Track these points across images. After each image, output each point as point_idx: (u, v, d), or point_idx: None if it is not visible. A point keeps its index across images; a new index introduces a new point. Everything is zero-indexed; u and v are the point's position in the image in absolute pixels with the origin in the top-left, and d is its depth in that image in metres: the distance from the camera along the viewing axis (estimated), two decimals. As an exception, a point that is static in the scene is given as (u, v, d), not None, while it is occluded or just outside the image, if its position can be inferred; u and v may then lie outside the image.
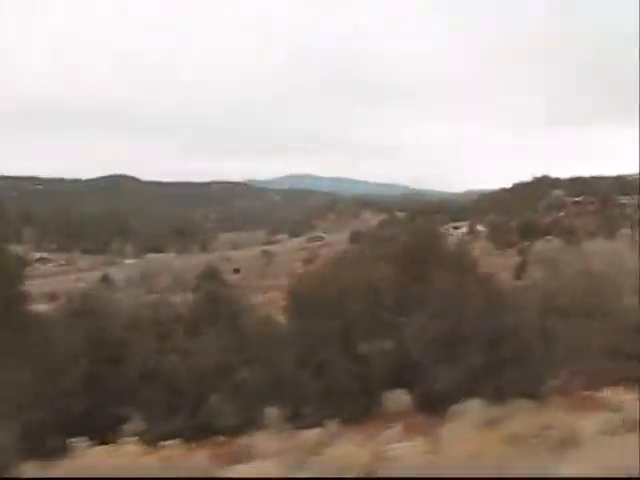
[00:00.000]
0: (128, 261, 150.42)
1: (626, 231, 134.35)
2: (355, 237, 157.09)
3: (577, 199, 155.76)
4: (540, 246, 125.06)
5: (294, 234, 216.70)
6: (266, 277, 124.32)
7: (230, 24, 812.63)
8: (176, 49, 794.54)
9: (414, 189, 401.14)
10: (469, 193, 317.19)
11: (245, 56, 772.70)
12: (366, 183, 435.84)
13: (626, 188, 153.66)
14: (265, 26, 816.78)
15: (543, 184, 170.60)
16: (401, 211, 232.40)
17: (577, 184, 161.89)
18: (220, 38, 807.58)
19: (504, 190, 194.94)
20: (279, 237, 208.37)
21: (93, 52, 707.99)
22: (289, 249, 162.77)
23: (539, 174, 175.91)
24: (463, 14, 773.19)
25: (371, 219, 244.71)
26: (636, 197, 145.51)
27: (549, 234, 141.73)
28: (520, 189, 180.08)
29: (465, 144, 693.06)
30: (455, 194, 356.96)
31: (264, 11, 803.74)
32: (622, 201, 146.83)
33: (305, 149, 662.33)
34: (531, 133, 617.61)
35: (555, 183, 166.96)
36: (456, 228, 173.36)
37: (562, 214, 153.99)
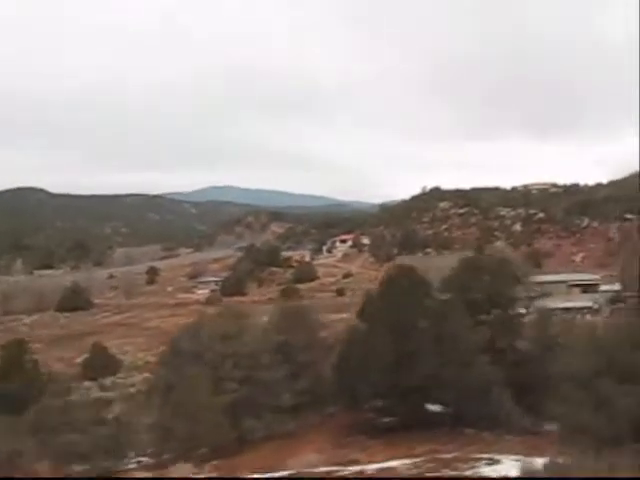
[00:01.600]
0: (14, 278, 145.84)
1: (500, 243, 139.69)
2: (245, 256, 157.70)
3: (461, 211, 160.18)
4: (407, 260, 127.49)
5: (199, 248, 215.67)
6: (142, 295, 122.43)
7: (149, 37, 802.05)
8: (94, 60, 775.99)
9: (336, 200, 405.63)
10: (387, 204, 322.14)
11: (164, 69, 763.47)
12: (288, 195, 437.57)
13: (510, 200, 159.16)
14: (184, 39, 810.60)
15: (432, 196, 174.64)
16: (312, 224, 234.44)
17: (463, 196, 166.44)
18: (140, 51, 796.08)
19: (403, 202, 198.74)
20: (178, 251, 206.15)
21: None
22: (177, 265, 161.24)
23: (430, 186, 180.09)
24: (378, 25, 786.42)
25: (277, 231, 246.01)
26: (519, 209, 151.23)
27: (429, 247, 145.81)
28: (414, 201, 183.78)
29: (383, 155, 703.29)
30: (374, 205, 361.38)
31: (185, 24, 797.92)
32: (501, 213, 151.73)
33: (227, 161, 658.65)
34: (449, 145, 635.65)
35: (443, 195, 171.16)
36: (343, 242, 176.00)
37: (446, 226, 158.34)
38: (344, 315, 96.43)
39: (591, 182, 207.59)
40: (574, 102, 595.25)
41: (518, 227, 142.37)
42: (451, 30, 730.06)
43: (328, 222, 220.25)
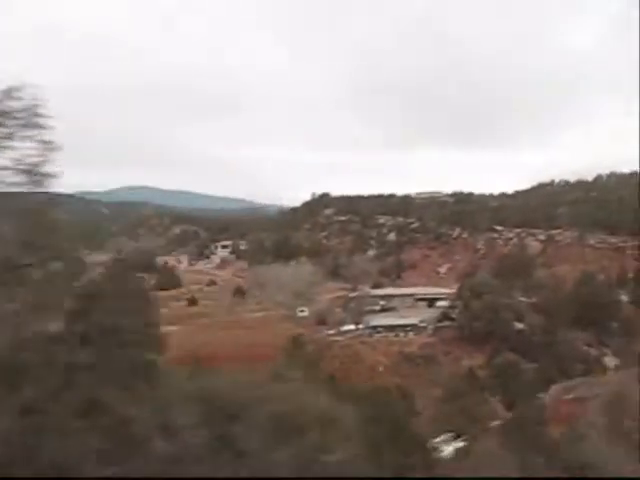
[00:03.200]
0: None
1: (372, 253, 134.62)
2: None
3: (343, 218, 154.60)
4: (262, 270, 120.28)
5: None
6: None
7: (69, 37, 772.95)
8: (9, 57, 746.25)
9: (254, 203, 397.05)
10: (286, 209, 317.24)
11: (81, 68, 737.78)
12: (207, 197, 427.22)
13: (391, 208, 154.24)
14: (105, 39, 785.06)
15: (319, 203, 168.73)
16: (208, 227, 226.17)
17: (347, 203, 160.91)
18: (60, 50, 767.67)
19: (294, 208, 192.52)
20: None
21: None
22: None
23: (319, 192, 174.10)
24: (299, 30, 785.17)
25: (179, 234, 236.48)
26: (399, 218, 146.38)
27: (303, 254, 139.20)
28: (304, 207, 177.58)
29: (302, 159, 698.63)
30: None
31: (107, 23, 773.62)
32: (380, 221, 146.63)
33: (147, 162, 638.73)
34: (368, 152, 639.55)
35: (328, 202, 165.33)
36: (224, 247, 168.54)
37: (325, 233, 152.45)
38: (173, 327, 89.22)
39: (496, 192, 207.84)
40: (490, 114, 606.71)
41: (393, 236, 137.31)
42: (371, 38, 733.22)
43: (223, 226, 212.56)
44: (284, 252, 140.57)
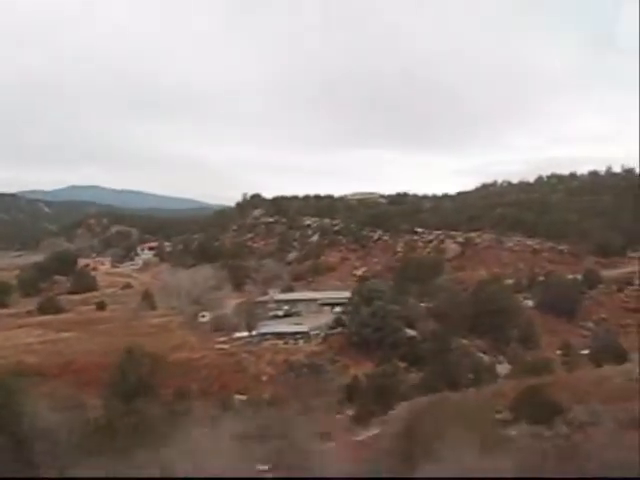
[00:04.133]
0: None
1: (293, 255, 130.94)
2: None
3: (270, 219, 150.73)
4: (172, 273, 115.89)
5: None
6: None
7: (21, 30, 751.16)
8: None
9: (203, 203, 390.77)
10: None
11: (28, 61, 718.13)
12: (155, 196, 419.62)
13: (319, 210, 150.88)
14: (56, 35, 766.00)
15: (250, 203, 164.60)
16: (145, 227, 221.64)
17: (277, 204, 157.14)
18: (5, 45, 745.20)
19: (229, 208, 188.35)
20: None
21: None
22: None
23: (250, 193, 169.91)
24: (253, 33, 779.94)
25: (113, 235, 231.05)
26: (325, 219, 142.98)
27: (225, 256, 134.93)
28: (236, 207, 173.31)
29: (252, 159, 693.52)
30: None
31: (58, 20, 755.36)
32: (306, 222, 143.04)
33: (95, 161, 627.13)
34: (319, 152, 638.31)
35: (258, 203, 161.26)
36: (151, 249, 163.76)
37: (251, 235, 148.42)
38: (66, 334, 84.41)
39: (440, 193, 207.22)
40: (440, 115, 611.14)
41: (316, 238, 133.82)
42: (309, 35, 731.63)
43: (158, 227, 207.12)
44: (207, 254, 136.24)
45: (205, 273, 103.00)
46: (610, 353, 66.65)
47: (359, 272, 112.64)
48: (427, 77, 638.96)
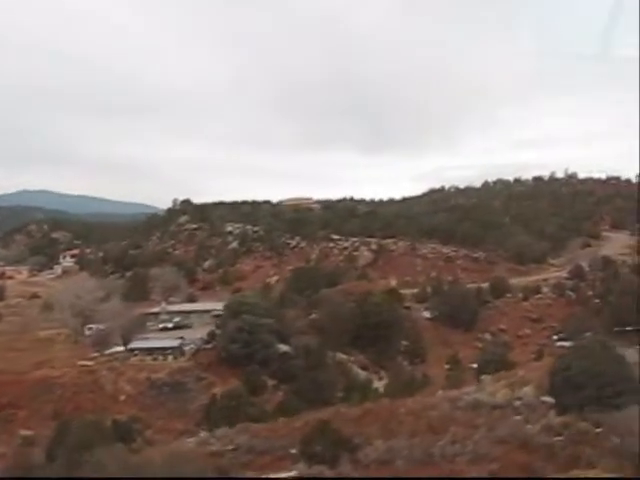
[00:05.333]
0: None
1: (208, 263, 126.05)
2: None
3: (194, 226, 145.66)
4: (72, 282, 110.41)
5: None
6: None
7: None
8: None
9: (155, 208, 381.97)
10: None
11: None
12: (106, 201, 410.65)
13: (244, 216, 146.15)
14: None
15: (180, 210, 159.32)
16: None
17: (201, 210, 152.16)
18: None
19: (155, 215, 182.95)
20: None
21: None
22: None
23: (181, 198, 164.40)
24: (210, 35, 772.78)
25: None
26: (247, 226, 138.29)
27: (141, 264, 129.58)
28: (166, 213, 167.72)
29: (206, 164, 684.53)
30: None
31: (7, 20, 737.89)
32: (228, 229, 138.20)
33: (45, 165, 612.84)
34: (276, 155, 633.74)
35: (186, 209, 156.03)
36: (73, 257, 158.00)
37: (173, 242, 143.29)
38: None
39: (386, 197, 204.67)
40: (393, 121, 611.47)
41: (235, 245, 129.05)
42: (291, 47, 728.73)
43: (88, 233, 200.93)
44: (123, 263, 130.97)
45: (98, 283, 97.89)
46: (496, 367, 63.14)
47: (272, 280, 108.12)
48: (388, 82, 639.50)
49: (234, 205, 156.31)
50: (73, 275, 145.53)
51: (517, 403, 37.30)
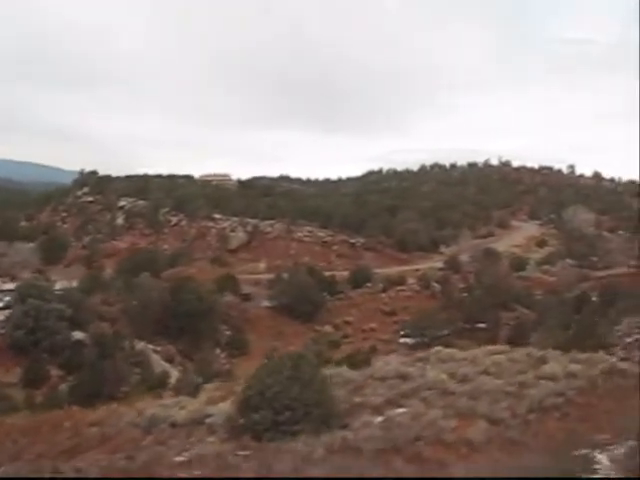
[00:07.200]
0: None
1: (89, 238, 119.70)
2: None
3: (90, 199, 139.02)
4: None
5: None
6: None
7: None
8: None
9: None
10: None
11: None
12: (57, 170, 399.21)
13: (142, 191, 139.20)
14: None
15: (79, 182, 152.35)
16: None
17: (100, 183, 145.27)
18: None
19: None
20: None
21: None
22: None
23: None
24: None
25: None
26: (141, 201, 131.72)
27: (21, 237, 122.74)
28: (72, 185, 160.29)
29: (157, 136, 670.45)
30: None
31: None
32: (121, 204, 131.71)
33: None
34: (224, 131, 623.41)
35: (86, 181, 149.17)
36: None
37: (65, 215, 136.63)
38: None
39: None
40: (342, 102, 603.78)
41: (120, 221, 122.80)
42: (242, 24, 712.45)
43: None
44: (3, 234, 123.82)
45: None
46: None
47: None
48: (342, 64, 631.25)
49: (133, 179, 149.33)
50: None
51: (209, 420, 32.17)
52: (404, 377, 21.18)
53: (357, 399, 19.36)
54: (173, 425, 34.57)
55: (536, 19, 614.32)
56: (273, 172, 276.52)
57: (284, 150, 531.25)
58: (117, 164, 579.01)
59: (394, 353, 45.13)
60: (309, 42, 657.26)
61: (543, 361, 21.69)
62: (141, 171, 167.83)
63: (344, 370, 22.82)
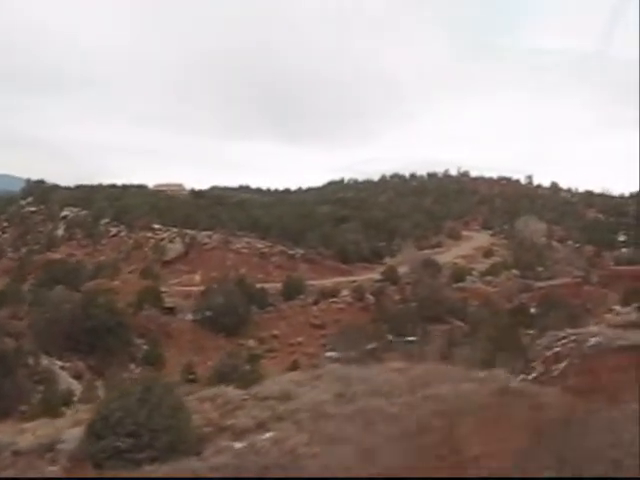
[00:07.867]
0: None
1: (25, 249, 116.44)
2: None
3: (33, 209, 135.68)
4: None
5: None
6: None
7: None
8: None
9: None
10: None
11: None
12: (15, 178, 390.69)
13: (90, 201, 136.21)
14: None
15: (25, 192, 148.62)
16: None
17: (44, 193, 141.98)
18: None
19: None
20: None
21: None
22: None
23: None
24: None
25: None
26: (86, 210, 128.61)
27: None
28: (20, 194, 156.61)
29: (122, 144, 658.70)
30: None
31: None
32: (65, 213, 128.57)
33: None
34: (193, 141, 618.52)
35: (31, 190, 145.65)
36: None
37: (6, 225, 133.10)
38: None
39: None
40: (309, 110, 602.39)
41: (61, 231, 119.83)
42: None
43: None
44: None
45: None
46: (231, 380, 56.07)
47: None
48: (308, 74, 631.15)
49: (81, 188, 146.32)
50: None
51: (60, 446, 29.88)
52: (287, 397, 19.53)
53: (228, 422, 17.65)
54: (16, 453, 31.88)
55: (505, 27, 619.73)
56: (238, 181, 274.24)
57: (249, 159, 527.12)
58: (82, 172, 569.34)
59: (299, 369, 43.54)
60: (269, 50, 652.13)
61: (441, 379, 20.12)
62: (105, 181, 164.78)
63: (229, 390, 21.10)
